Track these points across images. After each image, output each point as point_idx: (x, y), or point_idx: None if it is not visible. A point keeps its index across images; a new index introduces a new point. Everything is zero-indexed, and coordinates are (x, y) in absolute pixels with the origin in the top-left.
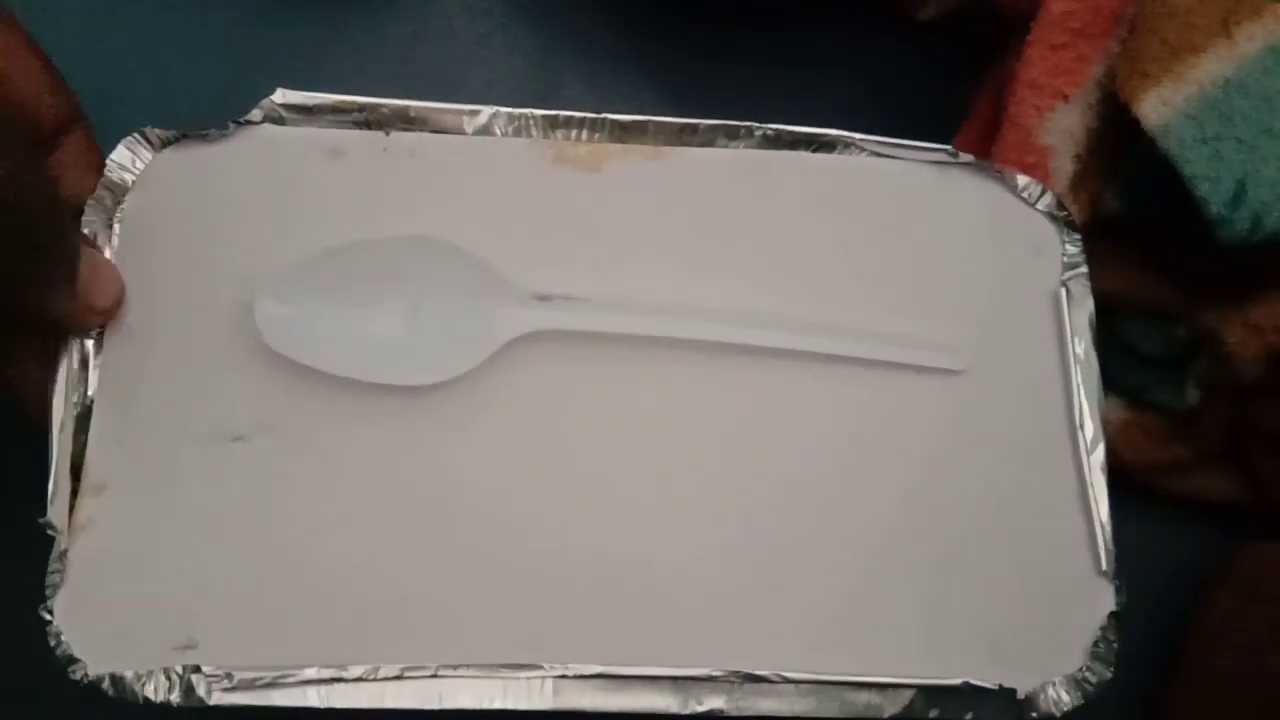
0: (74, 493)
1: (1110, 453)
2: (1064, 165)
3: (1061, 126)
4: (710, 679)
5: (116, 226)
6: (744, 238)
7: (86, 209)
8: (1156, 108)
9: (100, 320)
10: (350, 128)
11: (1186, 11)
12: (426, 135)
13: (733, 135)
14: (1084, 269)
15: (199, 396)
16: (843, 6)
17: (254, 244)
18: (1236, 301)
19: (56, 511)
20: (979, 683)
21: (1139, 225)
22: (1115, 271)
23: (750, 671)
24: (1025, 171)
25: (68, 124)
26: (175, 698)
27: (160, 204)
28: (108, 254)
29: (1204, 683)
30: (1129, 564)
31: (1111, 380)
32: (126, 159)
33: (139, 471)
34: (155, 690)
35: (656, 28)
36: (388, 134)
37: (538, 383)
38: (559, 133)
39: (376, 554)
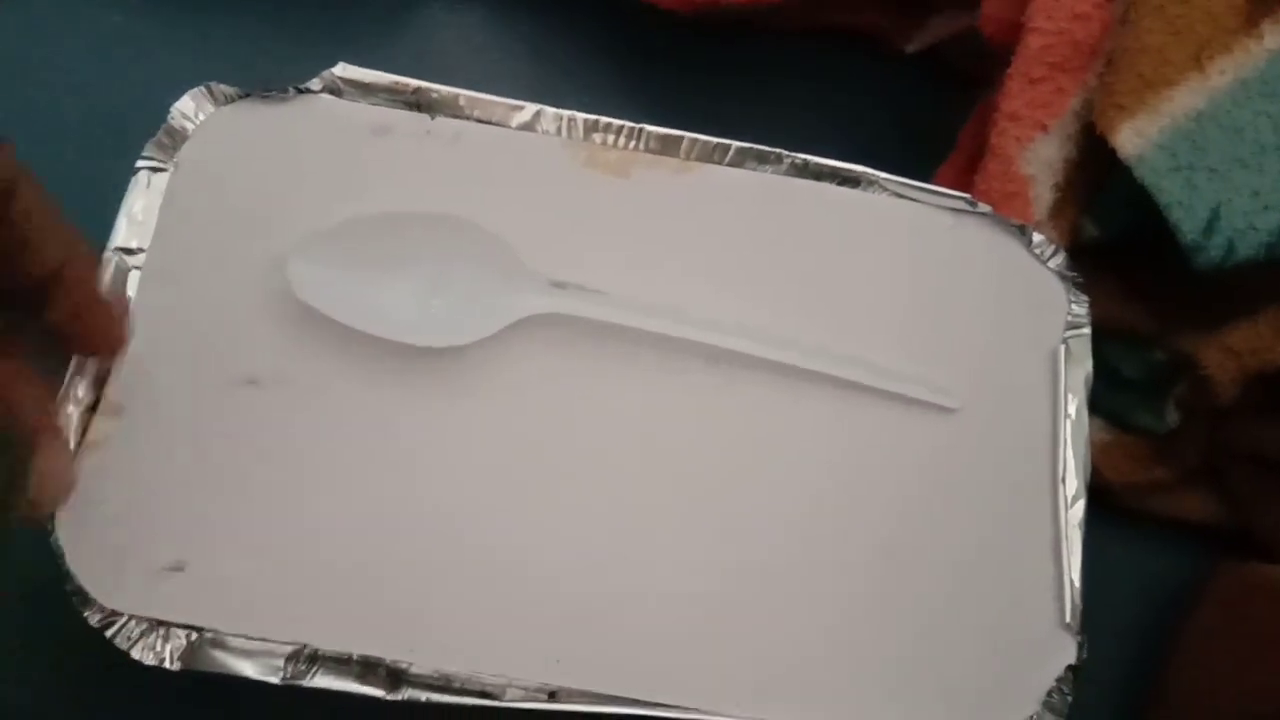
0: (93, 410)
1: (1093, 473)
2: (1044, 194)
3: (1041, 157)
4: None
5: (170, 171)
6: (758, 257)
7: (147, 149)
8: (1132, 139)
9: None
10: (401, 108)
11: (1160, 46)
12: (470, 124)
13: (762, 159)
14: (1087, 330)
15: (223, 339)
16: (834, 34)
17: (294, 204)
18: (1213, 326)
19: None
20: None
21: (1116, 252)
22: (1094, 297)
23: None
24: (1006, 201)
25: (56, 273)
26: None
27: (213, 156)
28: (158, 199)
29: (1184, 701)
30: (1117, 582)
31: (1094, 403)
32: (190, 109)
33: (155, 400)
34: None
35: (649, 58)
36: (432, 118)
37: (540, 365)
38: (597, 136)
39: (359, 511)
